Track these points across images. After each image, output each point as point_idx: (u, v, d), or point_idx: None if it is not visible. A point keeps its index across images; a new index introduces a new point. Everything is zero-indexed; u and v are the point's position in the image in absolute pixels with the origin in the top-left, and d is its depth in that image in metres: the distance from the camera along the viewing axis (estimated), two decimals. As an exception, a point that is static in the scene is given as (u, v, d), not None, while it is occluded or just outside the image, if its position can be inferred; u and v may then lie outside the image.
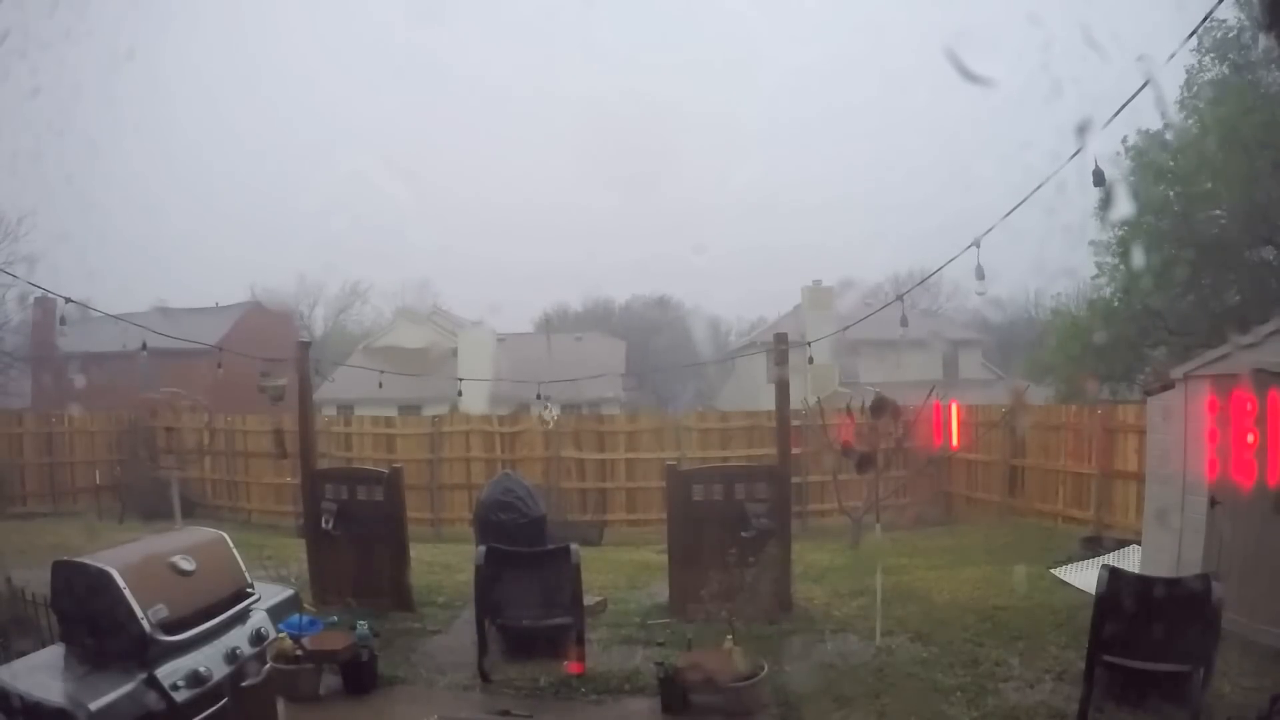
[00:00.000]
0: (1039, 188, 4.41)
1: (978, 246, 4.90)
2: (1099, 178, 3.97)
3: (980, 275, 4.99)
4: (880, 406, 6.19)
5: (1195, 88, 12.00)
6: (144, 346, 7.07)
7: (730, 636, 4.83)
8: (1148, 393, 7.07)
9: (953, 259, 5.18)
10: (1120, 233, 12.36)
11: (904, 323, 6.33)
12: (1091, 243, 13.05)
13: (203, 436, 13.40)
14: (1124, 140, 12.12)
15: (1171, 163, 11.94)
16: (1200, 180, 11.43)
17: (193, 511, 11.74)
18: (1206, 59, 11.99)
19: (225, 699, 3.04)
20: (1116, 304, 12.67)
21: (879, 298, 20.39)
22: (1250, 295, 11.66)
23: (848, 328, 7.72)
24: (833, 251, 42.83)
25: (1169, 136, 11.95)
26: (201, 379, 14.09)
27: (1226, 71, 11.93)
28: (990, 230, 4.82)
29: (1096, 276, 13.30)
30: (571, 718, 4.72)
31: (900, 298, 6.50)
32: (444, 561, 8.40)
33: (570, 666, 5.06)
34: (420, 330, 25.42)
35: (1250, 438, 5.36)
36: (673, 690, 4.65)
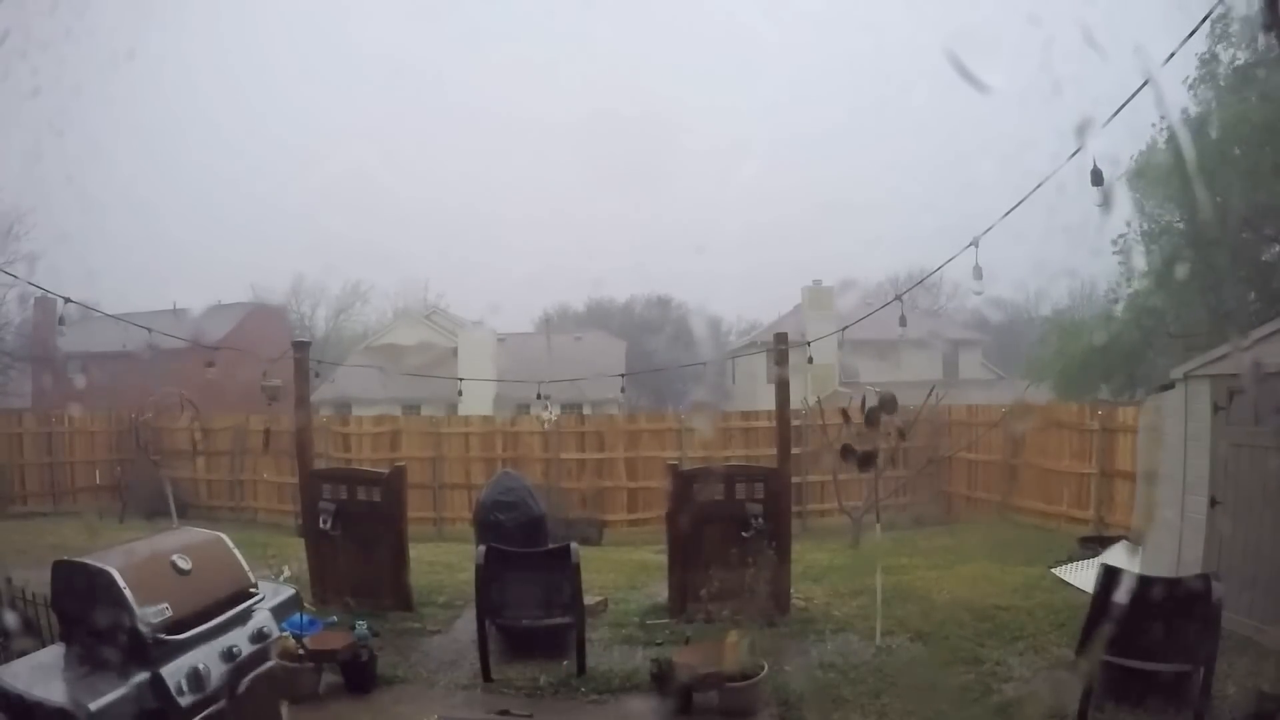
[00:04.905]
0: (1037, 188, 4.43)
1: (976, 246, 4.90)
2: (1097, 177, 3.98)
3: (978, 275, 5.00)
4: (887, 404, 6.19)
5: (1196, 87, 11.99)
6: (150, 346, 7.06)
7: (735, 633, 4.83)
8: (1148, 393, 7.08)
9: (951, 258, 5.19)
10: (1142, 232, 12.33)
11: (903, 323, 6.33)
12: (1118, 240, 12.94)
13: (194, 436, 13.38)
14: (1143, 147, 12.10)
15: (1178, 161, 11.92)
16: (1208, 179, 11.40)
17: (185, 511, 11.73)
18: (1206, 57, 11.97)
19: (226, 698, 3.04)
20: (1143, 311, 12.50)
21: (880, 298, 20.39)
22: (1260, 295, 11.62)
23: (847, 327, 7.72)
24: (834, 252, 42.85)
25: (1177, 135, 11.93)
26: (202, 379, 14.09)
27: (1228, 71, 11.91)
28: (989, 230, 4.83)
29: (1125, 280, 13.19)
30: (571, 718, 4.72)
31: (899, 297, 6.51)
32: (445, 561, 8.40)
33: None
34: (420, 330, 25.45)
35: (1249, 437, 5.37)
36: (667, 686, 4.65)
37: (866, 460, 6.15)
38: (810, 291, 22.16)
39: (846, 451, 6.28)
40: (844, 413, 8.45)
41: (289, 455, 10.34)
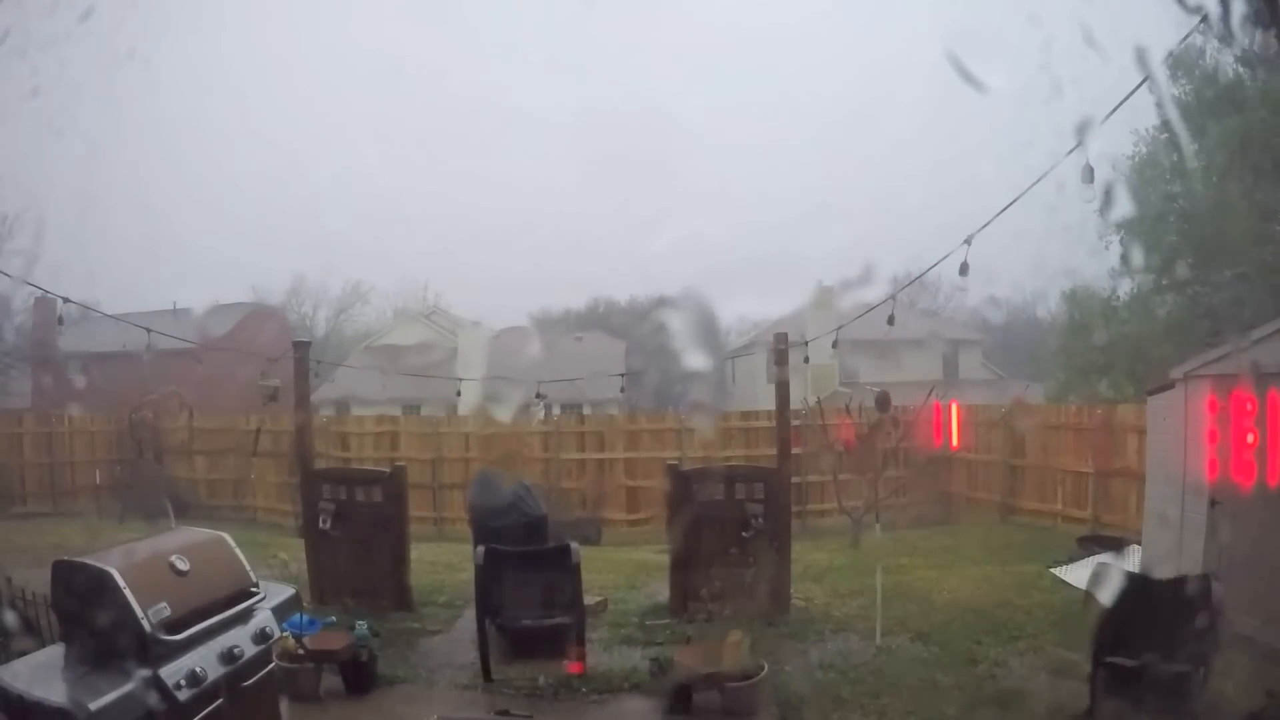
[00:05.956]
0: (1033, 186, 4.46)
1: (969, 244, 4.92)
2: (1088, 174, 4.00)
3: (964, 272, 5.01)
4: (883, 402, 6.25)
5: (1194, 86, 11.98)
6: (148, 347, 7.07)
7: (735, 633, 4.83)
8: (1148, 392, 7.09)
9: (946, 256, 5.21)
10: (1142, 230, 12.34)
11: (890, 321, 6.35)
12: (1118, 238, 12.91)
13: (189, 435, 13.35)
14: (1133, 145, 12.11)
15: (1175, 160, 11.95)
16: (1206, 179, 11.43)
17: (185, 511, 11.72)
18: (1207, 56, 11.98)
19: (227, 698, 3.04)
20: (1143, 309, 12.46)
21: (882, 298, 20.31)
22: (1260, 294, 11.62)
23: (841, 327, 7.72)
24: (834, 252, 42.74)
25: (1174, 135, 11.95)
26: (201, 379, 14.07)
27: (1228, 71, 11.92)
28: (985, 227, 4.85)
29: (1126, 277, 13.18)
30: (571, 718, 4.72)
31: (893, 297, 6.53)
32: (445, 561, 8.40)
33: (570, 666, 5.07)
34: (420, 330, 25.44)
35: (1250, 438, 5.37)
36: (667, 686, 4.65)
37: (865, 460, 6.16)
38: (812, 291, 22.14)
39: (861, 458, 6.27)
40: (848, 410, 8.52)
41: (288, 455, 10.33)
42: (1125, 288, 13.13)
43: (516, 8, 43.88)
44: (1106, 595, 4.31)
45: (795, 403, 8.52)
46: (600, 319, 33.80)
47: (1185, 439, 5.98)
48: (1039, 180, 4.37)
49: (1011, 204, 4.64)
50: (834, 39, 47.57)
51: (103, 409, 14.38)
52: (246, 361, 11.18)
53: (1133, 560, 6.95)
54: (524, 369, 17.32)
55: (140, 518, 10.97)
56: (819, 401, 11.83)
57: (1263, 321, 5.78)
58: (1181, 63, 11.62)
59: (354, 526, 6.48)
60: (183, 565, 3.14)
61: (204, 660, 2.97)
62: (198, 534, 3.70)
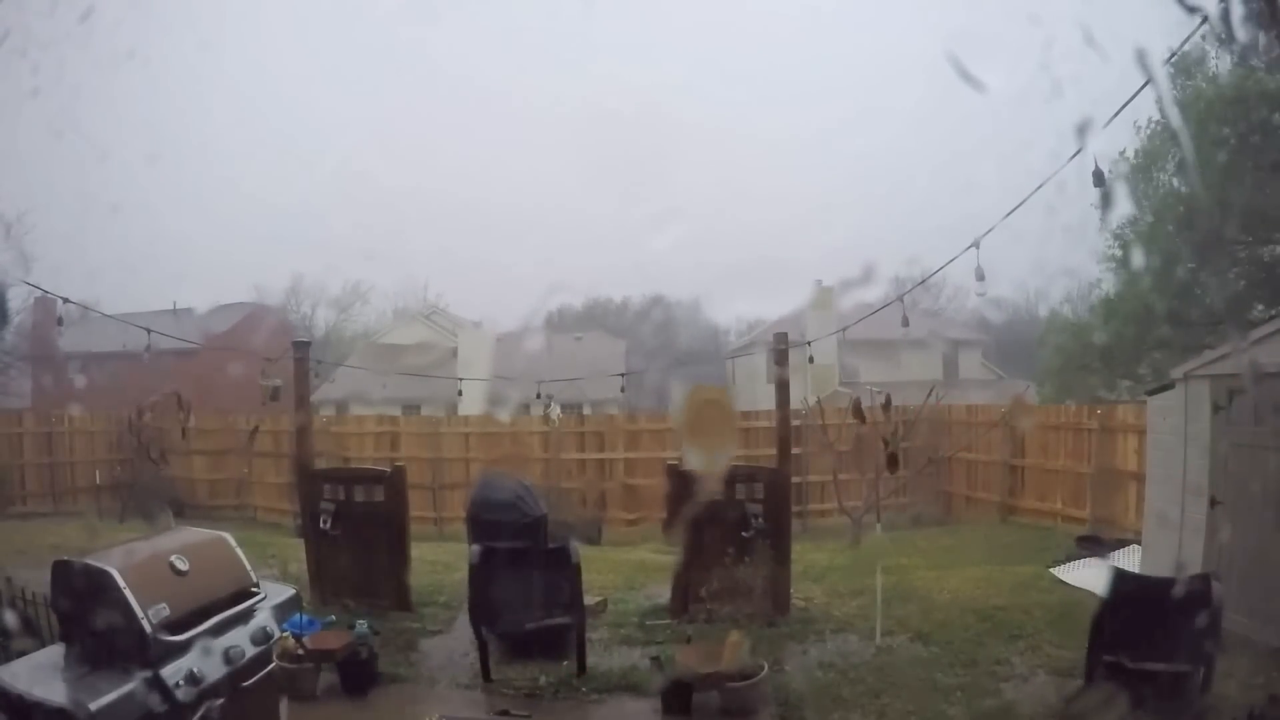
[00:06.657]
0: (1039, 189, 4.46)
1: (977, 248, 4.93)
2: (1099, 178, 4.00)
3: (980, 276, 5.03)
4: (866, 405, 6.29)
5: (1195, 85, 11.96)
6: (148, 347, 7.08)
7: (735, 633, 4.83)
8: (1148, 393, 7.10)
9: (952, 260, 5.23)
10: (1140, 229, 12.31)
11: (905, 323, 6.37)
12: (1116, 236, 12.89)
13: (185, 435, 13.33)
14: (1130, 142, 12.11)
15: (1174, 159, 11.94)
16: (1206, 178, 11.38)
17: (183, 511, 11.72)
18: (1208, 56, 11.97)
19: (227, 698, 3.04)
20: (1139, 308, 12.41)
21: (882, 298, 20.33)
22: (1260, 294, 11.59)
23: (846, 328, 7.74)
24: (834, 251, 42.78)
25: (1173, 134, 11.93)
26: (201, 378, 14.06)
27: (1228, 70, 11.90)
28: (990, 231, 4.86)
29: (1121, 277, 13.10)
30: (571, 718, 4.72)
31: (901, 298, 6.54)
32: (445, 561, 8.38)
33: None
34: (420, 330, 25.46)
35: (1248, 437, 5.37)
36: (667, 686, 4.65)
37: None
38: (811, 291, 22.16)
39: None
40: (857, 406, 8.57)
41: (289, 455, 10.33)
42: (1124, 288, 13.07)
43: (516, 4, 43.89)
44: (1106, 595, 4.31)
45: (795, 403, 8.53)
46: (599, 319, 33.82)
47: (1185, 439, 5.98)
48: (1045, 183, 4.38)
49: (1018, 207, 4.66)
50: (834, 40, 47.62)
51: (103, 409, 14.37)
52: (246, 361, 11.17)
53: (1132, 560, 6.95)
54: (524, 369, 17.33)
55: (140, 518, 10.98)
56: (819, 401, 11.83)
57: (1262, 321, 5.79)
58: (1182, 63, 11.61)
59: (354, 526, 6.48)
60: (183, 565, 3.14)
61: (204, 660, 2.97)
62: (198, 534, 3.70)
